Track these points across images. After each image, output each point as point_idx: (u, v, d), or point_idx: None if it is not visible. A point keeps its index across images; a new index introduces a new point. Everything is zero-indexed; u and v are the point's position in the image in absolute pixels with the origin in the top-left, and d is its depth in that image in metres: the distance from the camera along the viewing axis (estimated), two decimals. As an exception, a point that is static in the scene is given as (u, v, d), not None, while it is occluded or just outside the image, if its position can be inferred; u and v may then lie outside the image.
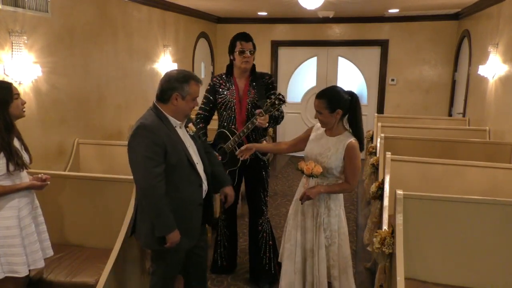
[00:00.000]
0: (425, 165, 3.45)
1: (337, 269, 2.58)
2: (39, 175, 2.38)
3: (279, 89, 7.85)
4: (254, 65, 3.14)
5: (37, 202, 2.43)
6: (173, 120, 2.27)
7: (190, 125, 2.41)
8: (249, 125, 2.93)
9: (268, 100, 2.86)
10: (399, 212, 2.53)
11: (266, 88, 3.12)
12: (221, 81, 3.16)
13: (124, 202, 2.78)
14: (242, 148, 2.79)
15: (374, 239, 2.64)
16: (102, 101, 4.37)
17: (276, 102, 2.85)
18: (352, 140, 2.47)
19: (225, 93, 3.12)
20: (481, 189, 3.27)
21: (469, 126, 5.41)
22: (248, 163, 3.12)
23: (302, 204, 2.54)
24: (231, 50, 3.10)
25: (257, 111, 2.90)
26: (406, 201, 2.55)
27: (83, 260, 2.71)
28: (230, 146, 3.06)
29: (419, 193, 2.60)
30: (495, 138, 4.61)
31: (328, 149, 2.50)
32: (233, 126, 3.11)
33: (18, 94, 2.29)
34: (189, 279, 2.63)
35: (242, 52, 3.03)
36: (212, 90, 3.16)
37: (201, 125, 3.14)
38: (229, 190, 2.61)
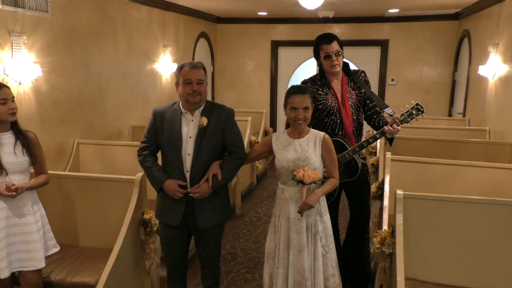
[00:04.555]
0: (425, 165, 3.45)
1: (338, 276, 2.47)
2: (9, 184, 2.24)
3: (279, 89, 7.93)
4: (347, 64, 2.89)
5: (24, 210, 2.34)
6: (181, 108, 2.44)
7: (202, 118, 2.40)
8: (377, 135, 2.74)
9: (405, 110, 2.69)
10: (399, 212, 2.53)
11: (367, 84, 2.91)
12: (316, 87, 2.86)
13: (124, 202, 2.78)
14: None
15: (374, 239, 2.64)
16: (102, 101, 4.37)
17: (414, 112, 2.67)
18: (323, 133, 2.42)
19: (325, 98, 2.83)
20: (481, 189, 3.27)
21: (469, 126, 5.40)
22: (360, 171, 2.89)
23: (301, 216, 2.34)
24: (316, 55, 2.84)
25: (393, 118, 2.67)
26: (406, 201, 2.54)
27: (83, 260, 2.72)
28: (348, 157, 2.77)
29: (419, 193, 2.59)
30: (495, 138, 4.61)
31: (304, 150, 2.36)
32: (340, 132, 2.84)
33: (6, 99, 2.23)
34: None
35: (327, 57, 2.76)
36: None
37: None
38: (201, 187, 2.38)
